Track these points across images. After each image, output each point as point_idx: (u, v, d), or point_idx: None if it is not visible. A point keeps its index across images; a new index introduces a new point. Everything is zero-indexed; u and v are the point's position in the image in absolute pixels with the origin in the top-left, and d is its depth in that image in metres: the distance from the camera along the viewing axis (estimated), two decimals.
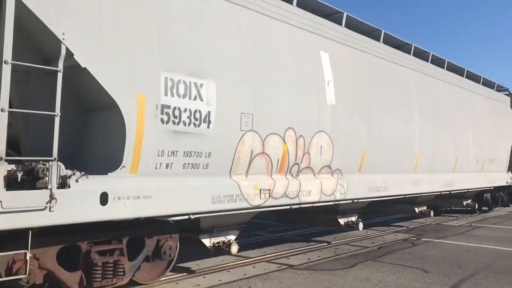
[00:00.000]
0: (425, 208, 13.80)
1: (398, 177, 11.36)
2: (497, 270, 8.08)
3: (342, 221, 10.29)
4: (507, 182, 18.70)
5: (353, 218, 10.58)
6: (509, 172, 18.95)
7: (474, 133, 15.38)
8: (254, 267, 8.11)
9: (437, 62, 14.24)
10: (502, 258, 9.25)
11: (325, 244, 10.64)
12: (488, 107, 17.18)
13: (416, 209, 13.50)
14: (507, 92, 19.71)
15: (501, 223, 15.15)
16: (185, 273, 7.56)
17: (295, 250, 9.76)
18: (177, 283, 7.03)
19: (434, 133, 12.90)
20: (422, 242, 10.95)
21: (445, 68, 14.46)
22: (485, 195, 18.00)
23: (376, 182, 10.39)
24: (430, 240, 11.24)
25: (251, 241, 10.87)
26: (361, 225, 10.48)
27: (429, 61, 13.54)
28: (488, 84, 18.04)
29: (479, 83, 17.07)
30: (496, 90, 18.69)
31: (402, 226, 14.03)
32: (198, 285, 6.93)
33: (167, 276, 7.18)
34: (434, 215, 15.93)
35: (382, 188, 10.57)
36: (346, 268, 7.99)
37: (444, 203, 17.33)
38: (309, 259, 8.82)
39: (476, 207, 17.25)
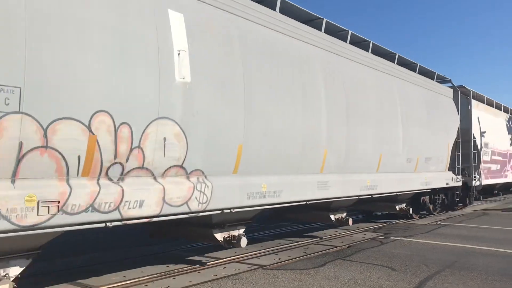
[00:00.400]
0: (343, 215, 11.21)
1: (296, 180, 8.84)
2: (462, 267, 8.08)
3: (220, 236, 7.91)
4: (447, 184, 15.94)
5: (235, 232, 8.12)
6: (451, 172, 16.36)
7: (405, 127, 12.75)
8: (224, 267, 8.01)
9: (360, 44, 11.77)
10: (466, 255, 9.24)
11: (295, 243, 10.55)
12: (426, 99, 14.57)
13: (332, 217, 11.04)
14: (450, 84, 17.37)
15: (466, 222, 15.22)
16: (156, 274, 7.38)
17: (266, 250, 9.66)
18: (146, 285, 6.84)
19: (350, 126, 10.32)
20: (390, 240, 10.92)
21: (369, 51, 11.97)
22: (422, 198, 15.33)
23: (261, 186, 7.92)
24: (397, 238, 11.21)
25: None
26: (243, 241, 8.06)
27: (348, 41, 11.09)
28: (426, 73, 15.53)
29: (415, 72, 14.55)
30: (436, 81, 16.16)
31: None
32: (168, 286, 6.79)
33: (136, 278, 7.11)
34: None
35: (270, 193, 8.11)
36: (316, 267, 7.97)
37: (375, 208, 14.85)
38: (279, 259, 8.75)
39: (411, 211, 14.64)
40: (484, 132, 20.20)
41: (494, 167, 21.83)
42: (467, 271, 7.65)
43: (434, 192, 15.65)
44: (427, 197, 15.60)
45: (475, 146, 18.74)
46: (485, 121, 20.68)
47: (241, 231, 8.24)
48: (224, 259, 8.59)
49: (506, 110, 24.91)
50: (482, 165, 19.80)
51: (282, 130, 8.39)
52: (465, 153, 17.83)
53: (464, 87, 18.60)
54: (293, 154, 8.76)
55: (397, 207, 14.15)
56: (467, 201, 18.90)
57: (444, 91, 16.44)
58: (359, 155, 10.76)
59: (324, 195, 9.58)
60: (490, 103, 22.48)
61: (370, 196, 11.35)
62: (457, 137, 16.83)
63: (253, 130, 7.71)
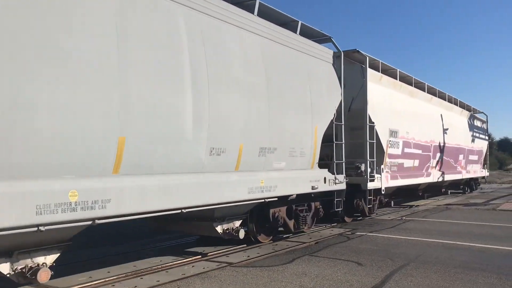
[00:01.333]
0: (40, 259, 5.74)
1: None
2: (425, 260, 8.16)
3: None
4: (313, 187, 10.26)
5: None
6: (325, 170, 10.96)
7: (204, 95, 7.31)
8: (193, 266, 7.91)
9: None
10: (430, 249, 9.33)
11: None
12: (269, 55, 9.04)
13: (7, 265, 5.46)
14: (330, 45, 11.86)
15: (429, 216, 15.21)
16: (123, 274, 7.23)
17: (234, 248, 9.45)
18: (113, 285, 6.74)
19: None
20: (356, 236, 10.93)
21: None
22: (271, 211, 9.62)
23: None
24: (364, 234, 11.20)
25: (190, 240, 10.69)
26: None
27: None
28: (286, 24, 10.26)
29: (253, 13, 8.98)
30: (302, 35, 10.48)
31: None
32: (136, 286, 6.68)
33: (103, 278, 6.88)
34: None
35: None
36: (285, 264, 7.97)
37: (176, 229, 9.33)
38: (248, 256, 8.68)
39: (241, 235, 8.65)
40: (392, 115, 14.67)
41: (408, 163, 15.89)
42: (431, 265, 7.76)
43: (299, 200, 10.30)
44: (283, 208, 9.95)
45: (374, 135, 13.06)
46: (395, 100, 15.05)
47: None
48: (193, 258, 8.49)
49: (433, 92, 19.52)
50: (387, 160, 14.05)
51: None
52: (359, 144, 12.85)
53: (357, 51, 12.95)
54: None
55: (218, 228, 8.48)
56: (366, 211, 13.37)
57: (316, 51, 10.81)
58: (34, 140, 5.17)
59: None
60: (407, 80, 16.70)
61: (92, 222, 5.75)
62: (339, 120, 11.51)
63: None
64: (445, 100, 21.07)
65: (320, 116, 10.61)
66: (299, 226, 10.53)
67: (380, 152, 13.47)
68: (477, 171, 26.31)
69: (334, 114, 11.21)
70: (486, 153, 28.10)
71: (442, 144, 19.40)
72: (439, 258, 8.34)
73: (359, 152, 12.72)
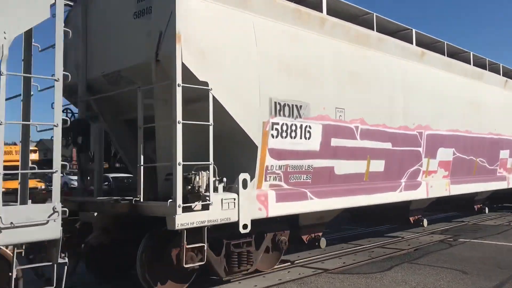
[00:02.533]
0: None
1: None
2: None
3: None
4: None
5: None
6: None
7: None
8: (289, 272, 7.91)
9: None
10: None
11: (359, 247, 10.13)
12: None
13: None
14: None
15: None
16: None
17: (329, 254, 9.33)
18: None
19: None
20: (459, 243, 10.39)
21: None
22: None
23: None
24: (467, 240, 10.65)
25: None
26: None
27: None
28: None
29: None
30: None
31: None
32: None
33: None
34: None
35: None
36: (383, 271, 7.72)
37: None
38: (344, 262, 8.55)
39: None
40: (286, 73, 7.24)
41: (350, 166, 8.42)
42: None
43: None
44: None
45: (210, 109, 5.96)
46: (299, 45, 7.47)
47: None
48: (288, 264, 8.50)
49: (435, 47, 11.41)
50: (270, 162, 6.99)
51: None
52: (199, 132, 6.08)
53: None
54: None
55: None
56: (220, 271, 6.79)
57: None
58: None
59: None
60: (362, 21, 9.12)
61: None
62: None
63: None
64: (469, 63, 12.70)
65: None
66: None
67: (246, 146, 6.72)
68: None
69: None
70: None
71: (455, 134, 11.55)
72: None
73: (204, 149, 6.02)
